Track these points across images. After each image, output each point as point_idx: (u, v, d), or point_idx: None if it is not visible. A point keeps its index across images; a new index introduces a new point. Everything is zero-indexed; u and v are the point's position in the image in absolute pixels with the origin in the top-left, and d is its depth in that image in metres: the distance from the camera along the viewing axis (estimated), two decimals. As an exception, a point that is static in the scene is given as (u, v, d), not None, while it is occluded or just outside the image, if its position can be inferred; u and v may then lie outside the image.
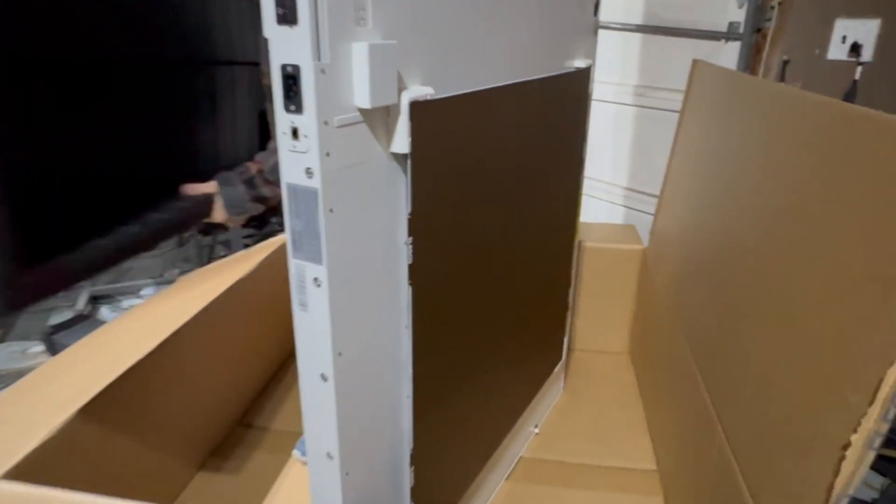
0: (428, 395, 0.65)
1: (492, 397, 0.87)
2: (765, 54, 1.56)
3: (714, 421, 0.75)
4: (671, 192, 1.34)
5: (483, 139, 0.66)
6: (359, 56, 0.45)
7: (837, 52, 1.50)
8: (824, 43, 1.52)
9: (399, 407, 0.63)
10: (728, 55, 1.62)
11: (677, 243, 1.16)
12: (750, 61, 1.58)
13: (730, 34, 1.59)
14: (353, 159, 0.49)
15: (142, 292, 2.32)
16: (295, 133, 0.45)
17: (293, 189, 0.47)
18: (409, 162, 0.53)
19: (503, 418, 0.95)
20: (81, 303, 2.12)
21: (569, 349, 1.31)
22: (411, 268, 0.57)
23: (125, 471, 0.82)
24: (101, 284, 2.34)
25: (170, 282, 2.60)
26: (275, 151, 1.17)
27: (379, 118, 0.51)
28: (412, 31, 0.52)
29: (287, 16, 0.41)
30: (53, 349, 1.84)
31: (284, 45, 0.42)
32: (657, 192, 1.39)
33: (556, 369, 1.22)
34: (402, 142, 0.52)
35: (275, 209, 1.34)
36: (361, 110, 0.48)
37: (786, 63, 1.58)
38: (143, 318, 1.02)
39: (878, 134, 0.50)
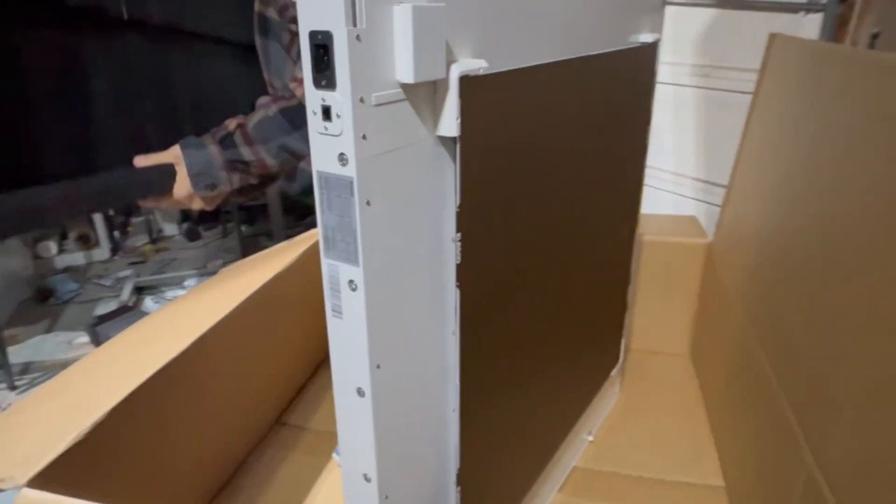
0: (476, 407, 0.59)
1: (545, 406, 0.80)
2: (851, 27, 1.40)
3: (800, 444, 0.66)
4: (742, 182, 1.23)
5: (540, 121, 0.58)
6: (401, 21, 0.39)
7: (936, 22, 1.33)
8: (920, 13, 1.36)
9: (444, 422, 0.57)
10: (808, 29, 1.45)
11: (751, 238, 1.05)
12: (834, 35, 1.42)
13: (810, 5, 1.43)
14: (395, 143, 0.42)
15: (185, 283, 2.34)
16: (327, 113, 0.38)
17: (325, 178, 0.41)
18: (458, 147, 0.47)
19: (557, 427, 0.88)
20: (126, 293, 2.16)
21: (626, 350, 1.22)
22: (459, 268, 0.51)
23: (159, 471, 0.79)
24: (145, 275, 2.39)
25: (212, 273, 2.63)
26: (263, 106, 1.03)
27: (424, 96, 0.44)
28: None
29: None
30: (97, 340, 1.88)
31: (314, 8, 0.36)
32: (723, 182, 1.27)
33: (613, 373, 1.14)
34: (450, 123, 0.45)
35: (262, 183, 1.07)
36: (404, 86, 0.41)
37: (875, 37, 1.41)
38: (181, 313, 1.00)
39: None
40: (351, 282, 0.43)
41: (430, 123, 0.46)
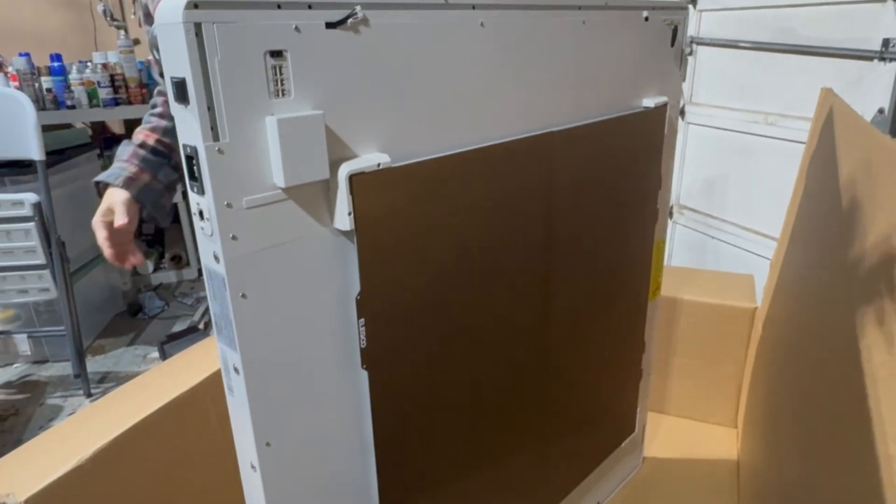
0: (402, 489, 0.59)
1: (512, 478, 0.77)
2: None
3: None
4: (790, 245, 1.13)
5: (465, 205, 0.58)
6: (270, 131, 0.42)
7: None
8: None
9: (368, 496, 0.58)
10: (883, 78, 1.30)
11: (791, 308, 0.96)
12: None
13: (886, 53, 1.29)
14: (274, 240, 0.45)
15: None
16: (201, 214, 0.42)
17: (207, 272, 0.45)
18: (355, 238, 0.49)
19: (542, 497, 0.84)
20: (198, 315, 2.37)
21: (647, 419, 1.15)
22: (364, 352, 0.52)
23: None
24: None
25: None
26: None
27: (316, 193, 0.47)
28: (357, 97, 0.47)
29: (180, 95, 0.39)
30: (164, 357, 2.07)
31: (183, 125, 0.40)
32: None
33: (627, 442, 1.07)
34: (343, 218, 0.48)
35: None
36: (284, 189, 0.44)
37: None
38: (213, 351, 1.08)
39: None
40: (234, 366, 0.46)
41: (327, 217, 0.48)
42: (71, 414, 1.77)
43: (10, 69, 2.35)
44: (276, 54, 0.42)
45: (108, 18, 2.78)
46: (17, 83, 2.30)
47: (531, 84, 0.64)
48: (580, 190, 0.74)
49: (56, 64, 2.35)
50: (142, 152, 0.95)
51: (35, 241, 1.49)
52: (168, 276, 2.88)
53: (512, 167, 0.62)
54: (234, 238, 0.42)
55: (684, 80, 0.95)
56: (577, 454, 0.93)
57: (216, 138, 0.40)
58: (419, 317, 0.57)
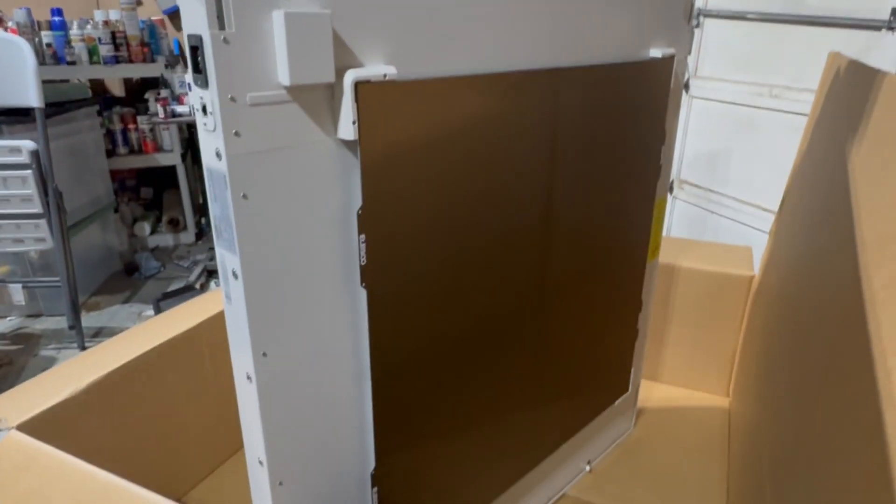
0: (397, 412, 0.60)
1: (502, 424, 0.78)
2: None
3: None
4: (787, 215, 1.12)
5: (469, 132, 0.58)
6: (277, 25, 0.41)
7: None
8: None
9: (356, 419, 0.58)
10: (891, 47, 1.30)
11: (785, 276, 0.96)
12: None
13: (894, 22, 1.27)
14: (276, 142, 0.44)
15: (253, 271, 2.53)
16: (203, 109, 0.42)
17: (209, 171, 0.44)
18: (358, 150, 0.48)
19: (531, 447, 0.85)
20: (194, 276, 2.37)
21: (640, 381, 1.16)
22: (364, 269, 0.52)
23: (144, 441, 0.86)
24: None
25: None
26: None
27: (318, 99, 0.46)
28: (367, 3, 0.46)
29: None
30: (159, 314, 2.07)
31: (188, 13, 0.39)
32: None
33: (620, 402, 1.08)
34: (347, 127, 0.47)
35: None
36: (290, 88, 0.43)
37: None
38: (208, 304, 1.08)
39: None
40: (233, 271, 0.46)
41: (332, 125, 0.48)
42: (65, 366, 1.78)
43: (9, 23, 2.32)
44: None
45: (110, -25, 2.74)
46: (16, 35, 2.27)
47: (539, 19, 0.63)
48: (584, 134, 0.74)
49: (57, 18, 2.32)
50: None
51: (32, 189, 1.47)
52: (165, 239, 2.88)
53: (516, 100, 0.62)
54: (236, 134, 0.42)
55: (692, 41, 0.93)
56: (571, 407, 0.93)
57: (222, 27, 0.39)
58: (420, 239, 0.56)
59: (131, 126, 2.59)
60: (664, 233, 2.08)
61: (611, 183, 0.82)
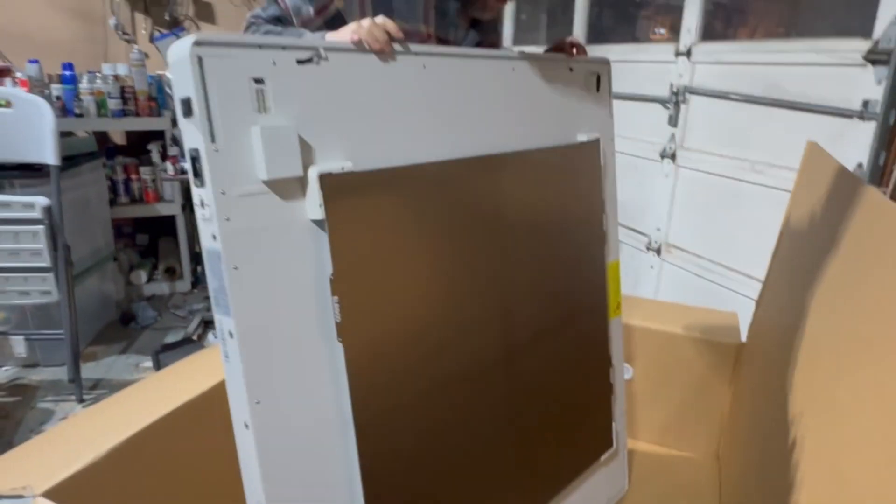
0: (381, 460, 0.71)
1: (487, 475, 0.88)
2: None
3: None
4: (772, 288, 1.26)
5: (420, 206, 0.74)
6: (254, 137, 0.58)
7: None
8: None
9: (347, 465, 0.70)
10: (862, 135, 1.47)
11: (771, 346, 1.08)
12: (887, 144, 1.42)
13: (865, 113, 1.46)
14: (260, 224, 0.60)
15: (251, 320, 2.69)
16: (202, 203, 0.58)
17: (206, 252, 0.60)
18: (326, 227, 0.64)
19: (520, 501, 0.96)
20: (192, 326, 2.52)
21: (626, 439, 1.26)
22: (339, 326, 0.67)
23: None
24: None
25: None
26: None
27: (291, 188, 0.62)
28: (324, 117, 0.64)
29: (185, 112, 0.55)
30: (158, 366, 2.22)
31: (188, 134, 0.56)
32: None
33: (608, 458, 1.18)
34: (315, 210, 0.63)
35: None
36: (266, 182, 0.60)
37: None
38: (214, 360, 1.18)
39: None
40: (229, 332, 0.61)
41: (303, 209, 0.64)
42: (63, 419, 1.92)
43: (17, 75, 2.57)
44: (259, 80, 0.59)
45: (119, 32, 3.03)
46: (26, 89, 2.52)
47: (472, 114, 0.81)
48: (528, 207, 0.90)
49: (67, 73, 2.57)
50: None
51: (42, 244, 1.65)
52: (161, 287, 3.05)
53: (455, 183, 0.79)
54: (227, 220, 0.58)
55: (613, 128, 1.12)
56: (556, 461, 1.03)
57: (213, 141, 0.56)
58: (387, 299, 0.72)
59: (134, 176, 2.81)
60: (652, 295, 2.23)
61: (559, 247, 0.98)
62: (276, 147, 0.59)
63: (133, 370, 2.23)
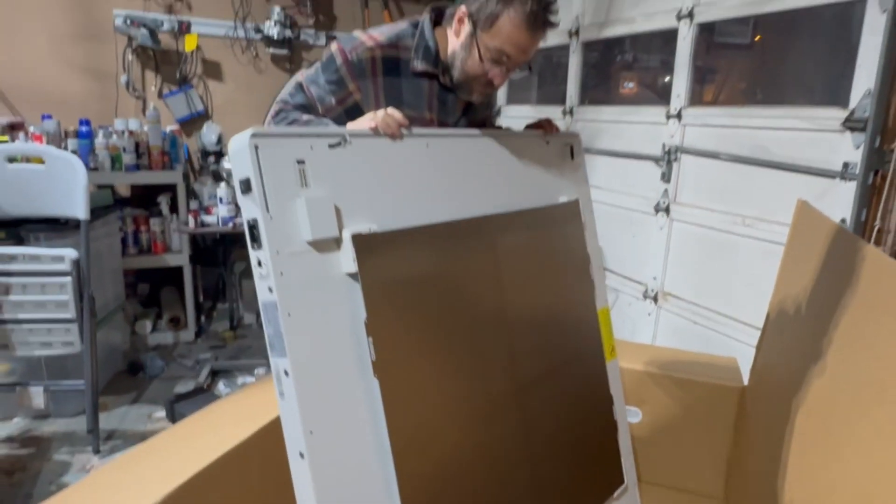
0: (415, 482, 0.84)
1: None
2: (884, 196, 1.59)
3: None
4: (772, 334, 1.42)
5: (434, 259, 0.91)
6: (300, 206, 0.75)
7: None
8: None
9: (388, 485, 0.82)
10: (844, 194, 1.66)
11: (777, 389, 1.21)
12: (867, 202, 1.62)
13: (845, 174, 1.65)
14: (308, 277, 0.76)
15: (256, 371, 2.80)
16: (259, 263, 0.74)
17: (263, 304, 0.76)
18: (359, 278, 0.79)
19: None
20: (203, 376, 2.65)
21: (636, 476, 1.36)
22: (374, 364, 0.81)
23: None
24: (222, 360, 2.89)
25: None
26: None
27: (330, 247, 0.79)
28: (351, 189, 0.82)
29: (245, 190, 0.73)
30: (173, 416, 2.34)
31: (247, 208, 0.73)
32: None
33: (620, 493, 1.28)
34: (349, 264, 0.79)
35: None
36: (310, 242, 0.76)
37: None
38: (246, 402, 1.30)
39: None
40: (285, 371, 0.75)
41: (340, 263, 0.79)
42: (80, 470, 2.01)
43: (31, 129, 2.77)
44: (301, 161, 0.77)
45: (130, 89, 3.26)
46: (40, 143, 2.71)
47: (469, 182, 1.01)
48: (523, 260, 1.08)
49: (84, 128, 2.78)
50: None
51: (69, 296, 1.80)
52: (165, 337, 3.18)
53: (461, 239, 0.97)
54: (281, 274, 0.74)
55: (588, 191, 1.31)
56: (570, 494, 1.15)
57: (268, 211, 0.72)
58: (414, 340, 0.87)
59: (143, 228, 2.99)
60: (649, 341, 2.38)
61: (553, 294, 1.16)
62: (317, 214, 0.76)
63: (146, 420, 2.34)
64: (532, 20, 1.05)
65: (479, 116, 1.29)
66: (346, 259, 0.79)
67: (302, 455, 0.76)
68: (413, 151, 0.93)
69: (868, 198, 1.62)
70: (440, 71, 1.17)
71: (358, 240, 0.79)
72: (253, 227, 0.73)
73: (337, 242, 0.79)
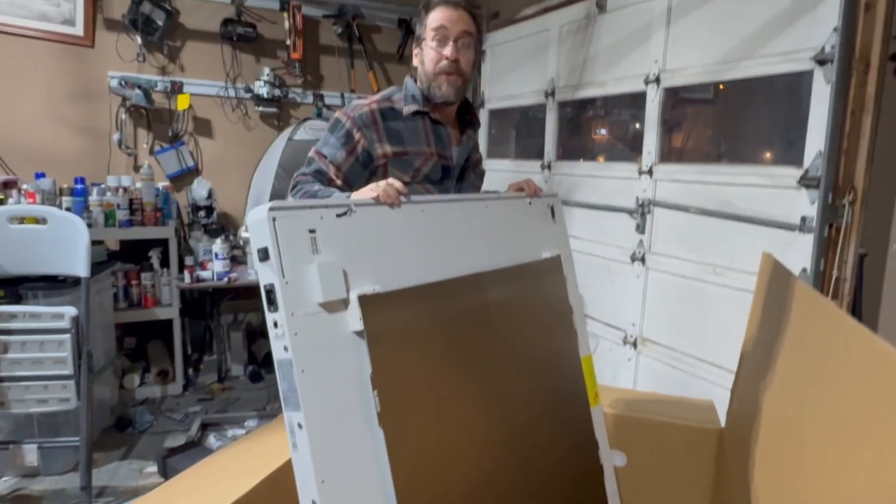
0: None
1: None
2: (839, 248, 1.72)
3: None
4: (745, 377, 1.51)
5: (431, 315, 0.99)
6: (312, 271, 0.83)
7: (914, 249, 1.64)
8: (901, 239, 1.66)
9: None
10: (804, 245, 1.79)
11: (751, 430, 1.28)
12: (825, 253, 1.76)
13: (804, 227, 1.79)
14: (319, 336, 0.84)
15: (245, 423, 2.81)
16: (275, 324, 0.81)
17: (278, 362, 0.83)
18: (365, 335, 0.87)
19: None
20: (194, 429, 2.65)
21: None
22: (380, 415, 0.88)
23: None
24: (212, 413, 2.90)
25: (271, 416, 3.10)
26: None
27: (339, 307, 0.86)
28: (357, 253, 0.91)
29: (263, 257, 0.81)
30: (165, 472, 2.34)
31: (264, 273, 0.81)
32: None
33: None
34: (356, 322, 0.87)
35: None
36: (321, 304, 0.83)
37: (863, 256, 1.73)
38: (242, 455, 1.36)
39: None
40: (299, 423, 0.81)
41: (348, 322, 0.87)
42: (72, 529, 1.99)
43: (24, 187, 2.83)
44: (312, 231, 0.85)
45: (123, 147, 3.35)
46: (33, 200, 2.76)
47: (461, 242, 1.11)
48: (511, 313, 1.17)
49: (79, 186, 2.85)
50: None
51: (67, 353, 1.83)
52: (153, 390, 3.18)
53: (455, 295, 1.06)
54: (296, 334, 0.81)
55: (568, 245, 1.41)
56: None
57: (284, 277, 0.80)
58: (417, 390, 0.94)
59: (134, 282, 3.03)
60: (630, 385, 2.47)
61: (539, 344, 1.24)
62: (328, 278, 0.84)
63: (138, 476, 2.33)
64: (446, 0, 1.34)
65: (474, 155, 1.47)
66: (353, 318, 0.87)
67: (314, 503, 0.81)
68: (410, 217, 1.02)
69: (825, 249, 1.75)
70: (430, 108, 1.37)
71: (363, 300, 0.87)
72: (270, 291, 0.81)
73: (345, 303, 0.87)
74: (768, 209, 1.91)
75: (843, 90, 1.67)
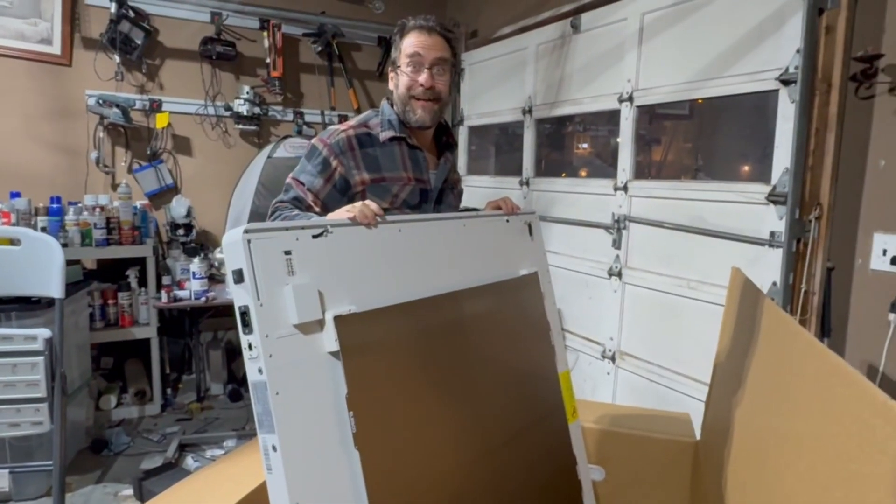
0: None
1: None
2: (807, 262, 1.77)
3: None
4: (718, 390, 1.53)
5: (408, 334, 0.99)
6: (287, 293, 0.83)
7: (879, 262, 1.70)
8: (866, 253, 1.72)
9: None
10: (773, 260, 1.84)
11: (724, 443, 1.30)
12: (793, 267, 1.80)
13: (772, 242, 1.84)
14: (294, 358, 0.83)
15: (224, 443, 2.77)
16: (249, 346, 0.81)
17: (253, 384, 0.82)
18: (340, 356, 0.87)
19: None
20: (171, 450, 2.61)
21: None
22: (356, 436, 0.88)
23: None
24: (189, 433, 2.85)
25: (251, 435, 3.06)
26: None
27: (314, 328, 0.86)
28: (333, 274, 0.91)
29: (238, 280, 0.80)
30: (141, 495, 2.29)
31: (239, 295, 0.81)
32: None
33: None
34: (331, 343, 0.87)
35: None
36: (296, 325, 0.83)
37: (830, 270, 1.77)
38: (219, 476, 1.35)
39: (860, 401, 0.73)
40: (273, 446, 0.81)
41: (323, 343, 0.87)
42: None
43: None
44: (287, 252, 0.85)
45: (100, 165, 3.32)
46: (7, 220, 2.72)
47: (438, 261, 1.11)
48: (488, 330, 1.17)
49: (55, 205, 2.82)
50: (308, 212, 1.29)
51: (40, 375, 1.80)
52: (130, 411, 3.12)
53: (432, 314, 1.06)
54: (270, 356, 0.81)
55: (546, 263, 1.43)
56: None
57: (258, 299, 0.80)
58: (393, 410, 0.94)
59: (111, 301, 2.99)
60: (609, 399, 2.49)
61: (517, 360, 1.24)
62: (303, 299, 0.84)
63: (112, 499, 2.29)
64: (420, 25, 1.36)
65: (451, 177, 1.49)
66: (329, 339, 0.87)
67: (287, 526, 0.81)
68: (387, 237, 1.03)
69: (794, 263, 1.79)
70: (407, 133, 1.38)
71: (339, 321, 0.87)
72: (244, 313, 0.81)
73: (320, 324, 0.87)
74: (739, 225, 1.95)
75: (807, 109, 1.72)
